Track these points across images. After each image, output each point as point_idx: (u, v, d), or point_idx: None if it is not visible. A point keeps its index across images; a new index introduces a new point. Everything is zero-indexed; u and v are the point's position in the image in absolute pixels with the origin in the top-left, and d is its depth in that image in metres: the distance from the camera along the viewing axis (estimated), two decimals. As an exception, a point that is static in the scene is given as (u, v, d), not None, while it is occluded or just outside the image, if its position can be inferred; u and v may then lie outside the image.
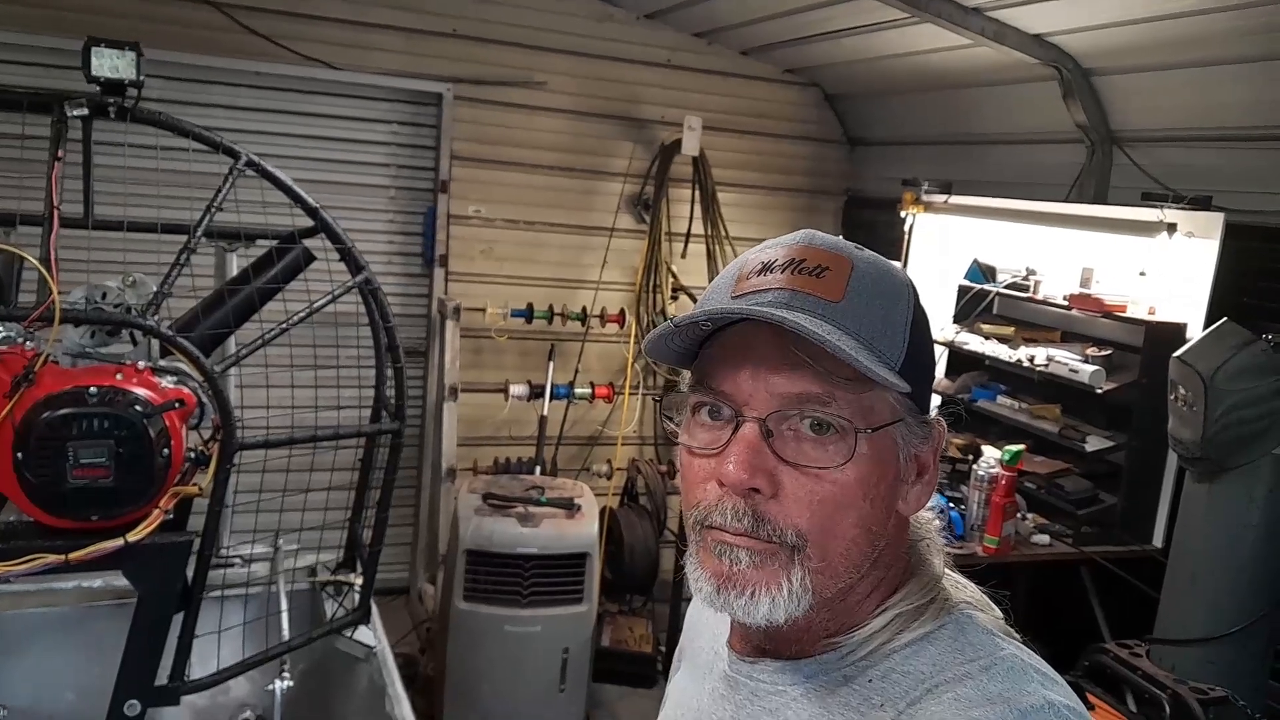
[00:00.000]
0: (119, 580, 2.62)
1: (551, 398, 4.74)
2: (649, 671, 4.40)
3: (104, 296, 2.17)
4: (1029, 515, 3.49)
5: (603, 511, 4.37)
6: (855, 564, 0.82)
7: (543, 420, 4.69)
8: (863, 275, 0.82)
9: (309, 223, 2.52)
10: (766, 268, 0.83)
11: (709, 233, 5.14)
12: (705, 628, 1.03)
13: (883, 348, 0.80)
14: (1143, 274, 3.37)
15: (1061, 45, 3.63)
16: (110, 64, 2.17)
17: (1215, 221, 3.10)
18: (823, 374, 0.79)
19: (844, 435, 0.79)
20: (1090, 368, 3.42)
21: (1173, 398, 2.73)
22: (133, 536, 2.08)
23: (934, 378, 0.91)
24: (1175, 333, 3.19)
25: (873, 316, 0.80)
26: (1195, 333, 3.05)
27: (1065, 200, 3.86)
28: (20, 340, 2.08)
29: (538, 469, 4.50)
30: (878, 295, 0.82)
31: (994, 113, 4.44)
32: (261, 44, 4.39)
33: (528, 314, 4.78)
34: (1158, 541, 3.31)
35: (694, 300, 4.94)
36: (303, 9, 4.47)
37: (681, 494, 0.88)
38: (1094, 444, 3.47)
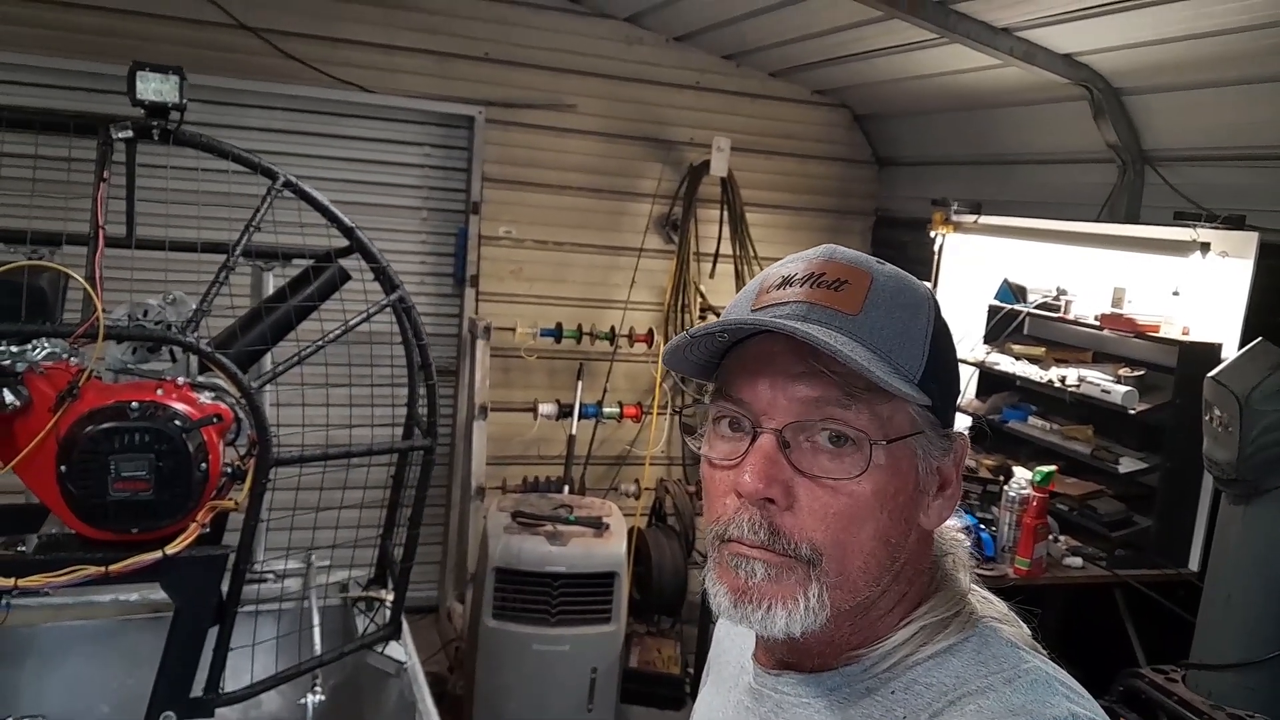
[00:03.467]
0: (156, 593, 2.67)
1: (580, 417, 4.76)
2: (677, 693, 4.37)
3: (145, 314, 2.22)
4: (1061, 537, 3.45)
5: (631, 531, 4.37)
6: (874, 577, 0.82)
7: (571, 439, 4.71)
8: (881, 288, 0.83)
9: (344, 242, 2.57)
10: (786, 281, 0.84)
11: (737, 253, 5.16)
12: (732, 642, 1.04)
13: (901, 360, 0.80)
14: (1176, 294, 3.35)
15: (1092, 65, 3.63)
16: (154, 88, 2.23)
17: (1249, 241, 3.08)
18: (840, 383, 0.79)
19: (860, 447, 0.80)
20: (1123, 388, 3.39)
21: (1207, 419, 2.70)
22: (171, 549, 2.11)
23: (958, 391, 0.91)
24: (1209, 353, 3.16)
25: (891, 329, 0.81)
26: (1230, 353, 3.01)
27: (1097, 220, 3.84)
28: (65, 356, 2.13)
29: (566, 488, 4.51)
30: (897, 308, 0.83)
31: (1024, 133, 4.43)
32: (298, 68, 4.49)
33: (557, 333, 4.81)
34: (1194, 565, 3.27)
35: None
36: (338, 33, 4.56)
37: (703, 508, 0.89)
38: (1127, 465, 3.44)
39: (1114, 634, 3.38)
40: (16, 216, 2.48)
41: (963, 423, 4.12)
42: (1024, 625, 0.88)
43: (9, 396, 2.03)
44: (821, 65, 4.84)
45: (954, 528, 0.92)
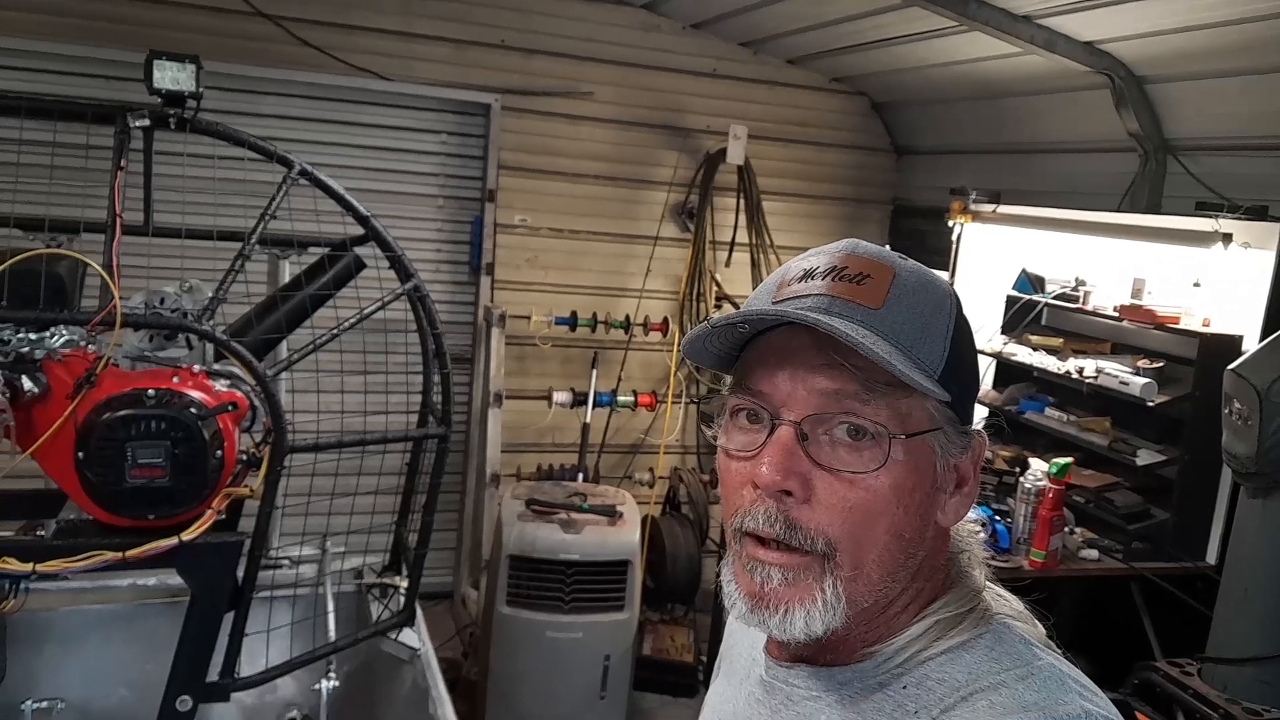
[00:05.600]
0: (173, 578, 2.70)
1: (594, 405, 4.76)
2: (690, 681, 4.39)
3: (162, 302, 2.24)
4: (1077, 529, 3.43)
5: (644, 520, 4.37)
6: (890, 573, 0.82)
7: (585, 428, 4.71)
8: (904, 284, 0.82)
9: (360, 231, 2.57)
10: (808, 274, 0.84)
11: (753, 241, 5.14)
12: (744, 634, 1.03)
13: (921, 355, 0.80)
14: (1197, 285, 3.32)
15: (1114, 53, 3.58)
16: (171, 76, 2.24)
17: (1272, 232, 3.04)
18: (860, 376, 0.79)
19: (879, 441, 0.79)
20: (1141, 380, 3.36)
21: (1227, 411, 2.67)
22: (187, 535, 2.13)
23: (977, 389, 0.90)
24: (1230, 345, 3.13)
25: (912, 324, 0.81)
26: (1251, 345, 2.98)
27: (1117, 210, 3.80)
28: (83, 343, 2.15)
29: (580, 476, 4.52)
30: (919, 304, 0.82)
31: (1044, 121, 4.39)
32: (314, 55, 4.49)
33: (571, 322, 4.81)
34: (1211, 558, 3.24)
35: (737, 309, 4.93)
36: (355, 21, 4.56)
37: (721, 500, 0.89)
38: (1145, 458, 3.41)
39: (1130, 627, 3.36)
40: (35, 204, 2.50)
41: (980, 415, 4.10)
42: (1039, 624, 0.87)
43: (28, 383, 2.05)
44: (839, 52, 4.80)
45: (969, 522, 0.91)
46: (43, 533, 2.15)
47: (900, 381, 0.78)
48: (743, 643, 1.03)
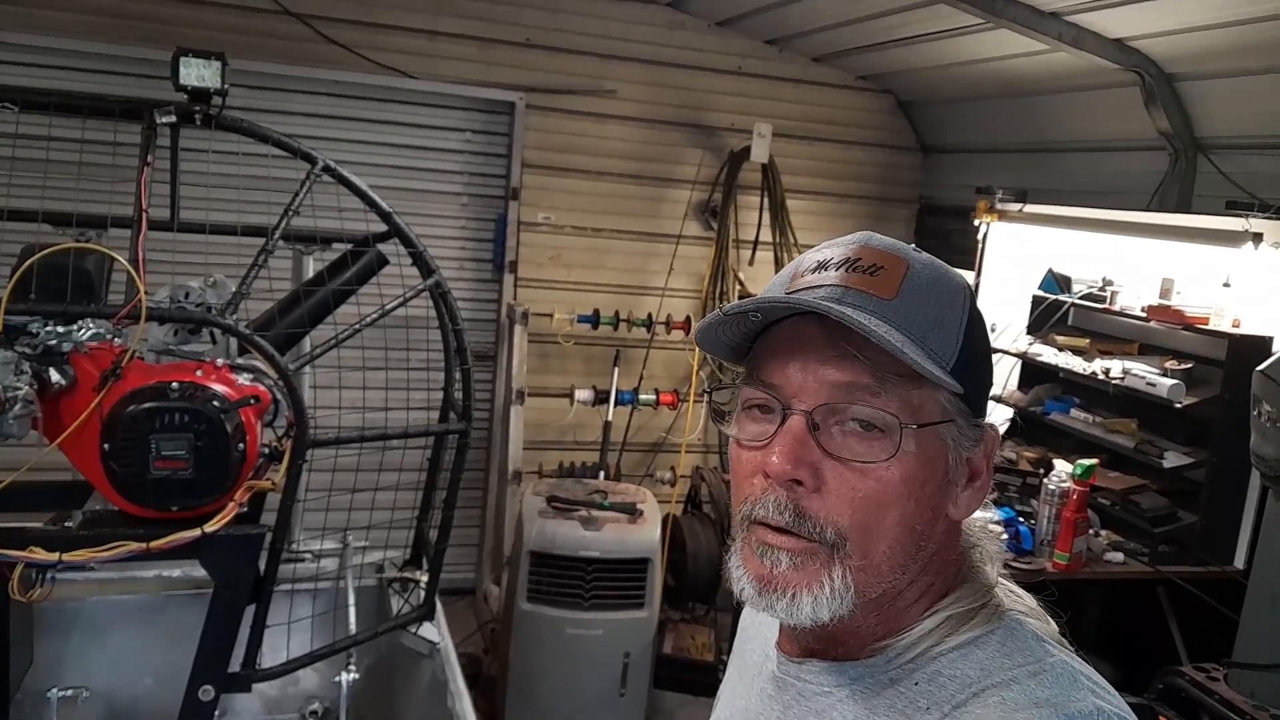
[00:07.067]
0: (196, 570, 2.72)
1: (616, 403, 4.76)
2: (710, 680, 4.37)
3: (186, 296, 2.26)
4: (1102, 532, 3.39)
5: (666, 518, 4.37)
6: (900, 564, 0.82)
7: (607, 425, 4.72)
8: (917, 275, 0.82)
9: (383, 227, 2.59)
10: (822, 266, 0.84)
11: (777, 240, 5.12)
12: (757, 630, 1.03)
13: (935, 346, 0.80)
14: (1227, 285, 3.26)
15: (1144, 50, 3.54)
16: (197, 73, 2.27)
17: (1304, 232, 2.99)
18: (872, 367, 0.79)
19: (890, 432, 0.79)
20: (1169, 381, 3.31)
21: (1255, 413, 2.63)
22: (209, 527, 2.15)
23: (991, 382, 0.90)
24: (1260, 346, 3.08)
25: (925, 316, 0.80)
26: (1281, 346, 2.94)
27: (1146, 209, 3.75)
28: (109, 337, 2.18)
29: (601, 474, 4.52)
30: (932, 295, 0.82)
31: (1072, 119, 4.34)
32: (341, 54, 4.52)
33: (594, 320, 4.82)
34: (1239, 562, 3.19)
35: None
36: (381, 19, 4.59)
37: (730, 489, 0.89)
38: (1172, 460, 3.36)
39: (1156, 630, 3.32)
40: (64, 200, 2.53)
41: (1004, 415, 4.06)
42: (1051, 621, 0.87)
43: (55, 376, 2.08)
44: (865, 50, 4.77)
45: (985, 520, 0.90)
46: (69, 523, 2.18)
47: (912, 373, 0.78)
48: (755, 639, 1.03)
